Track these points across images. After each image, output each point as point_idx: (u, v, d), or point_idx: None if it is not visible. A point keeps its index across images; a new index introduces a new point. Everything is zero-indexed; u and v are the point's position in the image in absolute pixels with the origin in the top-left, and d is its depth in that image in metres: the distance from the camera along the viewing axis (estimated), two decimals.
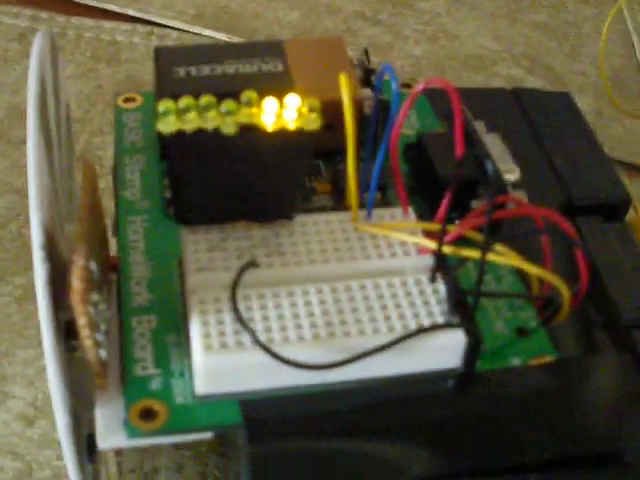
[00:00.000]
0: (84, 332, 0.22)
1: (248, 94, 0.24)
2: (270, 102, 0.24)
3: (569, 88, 0.58)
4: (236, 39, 0.58)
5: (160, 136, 0.25)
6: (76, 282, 0.22)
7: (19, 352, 0.39)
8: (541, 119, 0.37)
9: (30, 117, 0.24)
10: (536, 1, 0.68)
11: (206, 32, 0.59)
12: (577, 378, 0.26)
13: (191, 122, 0.24)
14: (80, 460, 0.25)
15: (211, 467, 0.36)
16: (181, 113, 0.24)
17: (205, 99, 0.24)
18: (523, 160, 0.31)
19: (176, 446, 0.36)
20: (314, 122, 0.24)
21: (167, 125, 0.24)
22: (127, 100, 0.34)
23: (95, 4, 0.61)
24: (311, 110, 0.24)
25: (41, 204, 0.23)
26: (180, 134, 0.24)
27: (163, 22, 0.60)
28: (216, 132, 0.24)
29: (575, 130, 0.37)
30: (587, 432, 0.25)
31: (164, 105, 0.24)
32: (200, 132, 0.24)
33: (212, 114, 0.24)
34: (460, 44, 0.62)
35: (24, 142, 0.48)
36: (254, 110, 0.24)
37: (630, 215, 0.37)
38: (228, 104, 0.24)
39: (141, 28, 0.59)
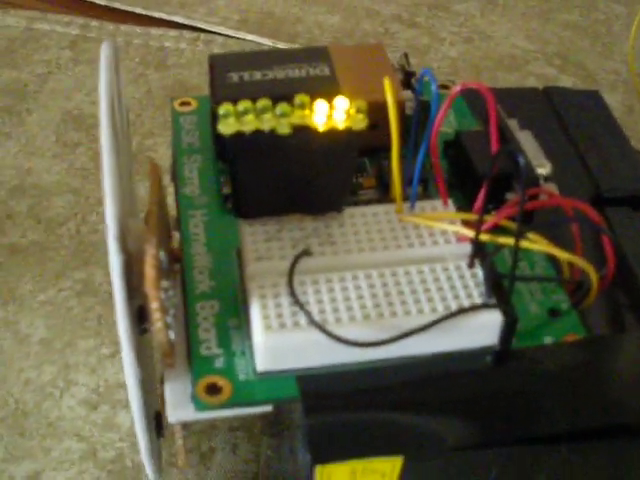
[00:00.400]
0: (156, 315, 0.25)
1: (301, 97, 0.26)
2: (321, 104, 0.26)
3: (601, 86, 0.60)
4: (280, 43, 0.60)
5: (221, 137, 0.27)
6: (149, 269, 0.24)
7: (80, 342, 0.41)
8: (571, 116, 0.38)
9: (103, 123, 0.27)
10: (568, 1, 0.69)
11: (250, 37, 0.61)
12: (605, 354, 0.28)
13: (249, 124, 0.26)
14: (150, 435, 0.28)
15: (264, 447, 0.38)
16: (240, 115, 0.26)
17: (261, 102, 0.26)
18: (554, 155, 0.33)
19: (231, 427, 0.38)
20: (361, 122, 0.26)
21: (227, 127, 0.26)
22: (183, 104, 0.36)
23: (143, 12, 0.63)
24: (358, 111, 0.26)
25: (116, 200, 0.25)
26: (239, 135, 0.26)
27: (209, 28, 0.62)
28: (272, 132, 0.26)
29: (604, 126, 0.38)
30: (615, 404, 0.27)
31: (224, 108, 0.26)
32: (257, 133, 0.26)
33: (268, 116, 0.26)
34: (494, 44, 0.63)
35: (79, 145, 0.51)
36: (306, 112, 0.26)
37: None
38: (283, 107, 0.26)
39: (187, 34, 0.61)
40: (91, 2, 0.64)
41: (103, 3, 0.64)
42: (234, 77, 0.32)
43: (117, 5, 0.64)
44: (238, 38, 0.61)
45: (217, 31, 0.62)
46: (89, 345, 0.41)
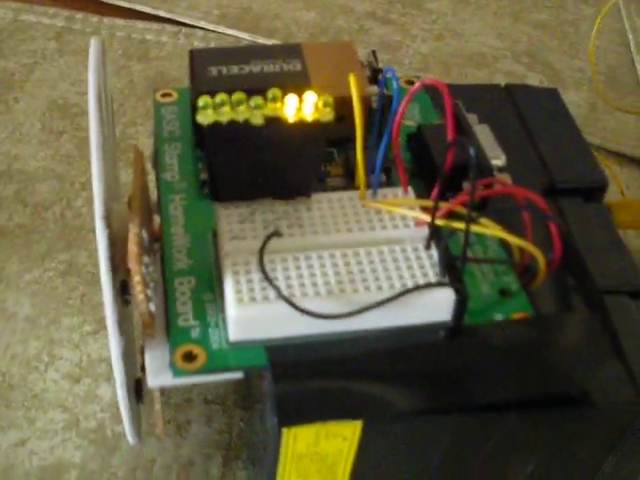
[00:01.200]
0: (138, 287, 0.27)
1: (273, 92, 0.29)
2: (291, 98, 0.29)
3: (566, 83, 0.62)
4: (259, 38, 0.62)
5: (199, 126, 0.29)
6: (132, 246, 0.27)
7: (64, 319, 0.43)
8: (530, 112, 0.40)
9: (92, 113, 0.29)
10: (538, 1, 0.71)
11: (229, 32, 0.63)
12: (550, 331, 0.30)
13: (225, 115, 0.29)
14: (131, 400, 0.30)
15: (236, 419, 0.40)
16: (217, 107, 0.29)
17: (237, 96, 0.29)
18: (512, 148, 0.35)
19: (205, 400, 0.40)
20: (328, 115, 0.29)
21: (206, 117, 0.28)
22: (164, 95, 0.38)
23: (126, 5, 0.64)
24: (325, 105, 0.29)
25: (102, 184, 0.27)
26: (216, 125, 0.29)
27: (190, 22, 0.63)
28: (246, 123, 0.29)
29: (560, 121, 0.40)
30: (558, 376, 0.29)
31: (203, 100, 0.29)
32: (233, 123, 0.28)
33: (243, 108, 0.29)
34: (465, 42, 0.65)
35: (63, 133, 0.53)
36: (278, 105, 0.29)
37: (612, 199, 0.41)
38: (256, 100, 0.29)
39: (169, 28, 0.62)
40: None
41: None
42: (213, 71, 0.34)
43: None
44: (218, 32, 0.63)
45: (198, 25, 0.63)
46: (73, 322, 0.43)
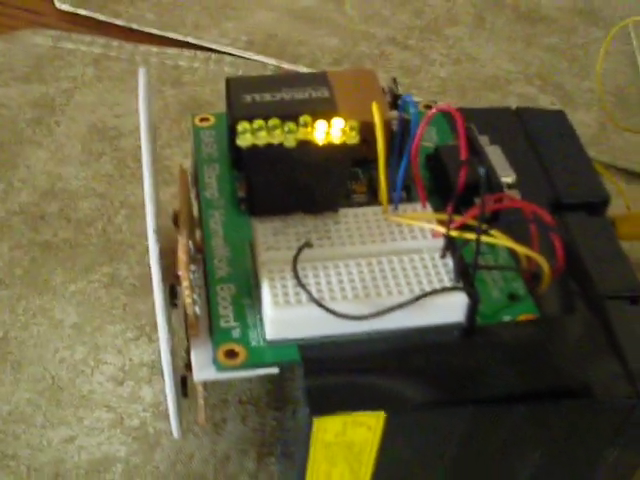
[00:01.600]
0: (186, 292, 0.30)
1: (304, 118, 0.32)
2: (321, 124, 0.32)
3: (577, 104, 0.65)
4: (284, 63, 0.65)
5: (238, 149, 0.33)
6: (182, 255, 0.30)
7: (108, 327, 0.46)
8: (538, 133, 0.43)
9: (144, 137, 0.32)
10: (550, 26, 0.74)
11: (256, 57, 0.66)
12: (555, 332, 0.33)
13: (262, 139, 0.32)
14: (178, 394, 0.33)
15: (269, 418, 0.43)
16: (254, 132, 0.32)
17: (272, 121, 0.32)
18: (522, 166, 0.38)
19: (240, 401, 0.43)
20: (354, 138, 0.32)
21: (245, 141, 0.32)
22: (202, 120, 0.42)
23: (159, 33, 0.68)
24: (351, 129, 0.32)
25: (154, 201, 0.31)
26: (254, 147, 0.32)
27: (219, 48, 0.66)
28: (280, 146, 0.32)
29: (566, 141, 0.43)
30: (561, 371, 0.32)
31: (242, 126, 0.32)
32: (269, 146, 0.32)
33: (277, 132, 0.32)
34: (480, 66, 0.68)
35: (103, 154, 0.56)
36: (309, 129, 0.32)
37: (617, 212, 0.44)
38: (289, 125, 0.32)
39: (200, 54, 0.65)
40: (111, 23, 0.69)
41: (122, 24, 0.69)
42: (248, 98, 0.38)
43: (135, 26, 0.68)
44: (246, 58, 0.66)
45: (227, 51, 0.66)
46: (116, 330, 0.46)
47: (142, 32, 0.69)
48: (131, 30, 0.69)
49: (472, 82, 0.66)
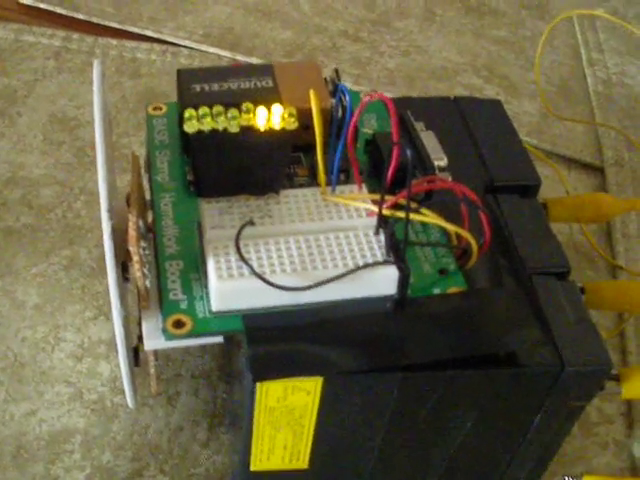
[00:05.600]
0: (136, 266, 0.33)
1: (247, 105, 0.35)
2: (261, 110, 0.35)
3: (521, 95, 0.68)
4: (239, 56, 0.67)
5: (185, 134, 0.35)
6: (131, 231, 0.32)
7: (68, 307, 0.49)
8: (475, 120, 0.45)
9: (97, 124, 0.34)
10: (498, 19, 0.77)
11: (212, 50, 0.68)
12: (482, 303, 0.36)
13: (207, 125, 0.34)
14: (130, 363, 0.36)
15: (220, 392, 0.46)
16: (200, 118, 0.35)
17: (216, 108, 0.35)
18: (458, 152, 0.41)
19: (193, 375, 0.46)
20: (292, 124, 0.35)
21: (191, 127, 0.34)
22: (155, 108, 0.44)
23: (118, 26, 0.70)
24: (290, 115, 0.35)
25: (106, 183, 0.33)
26: (200, 133, 0.34)
27: (176, 41, 0.69)
28: (225, 131, 0.34)
29: (501, 129, 0.45)
30: (487, 340, 0.34)
31: (188, 113, 0.34)
32: (214, 131, 0.34)
33: (222, 119, 0.34)
34: (429, 57, 0.71)
35: (63, 143, 0.58)
36: (251, 116, 0.35)
37: (550, 196, 0.47)
38: (232, 111, 0.34)
39: (157, 47, 0.68)
40: (71, 17, 0.71)
41: (82, 18, 0.71)
42: (197, 87, 0.40)
43: (95, 20, 0.70)
44: (202, 51, 0.68)
45: (183, 44, 0.69)
46: (75, 309, 0.49)
47: (101, 25, 0.71)
48: (91, 23, 0.71)
49: (420, 73, 0.69)
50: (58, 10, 0.71)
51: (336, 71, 0.42)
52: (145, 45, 0.68)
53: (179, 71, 0.41)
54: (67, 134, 0.59)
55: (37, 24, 0.70)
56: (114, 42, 0.68)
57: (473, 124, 0.46)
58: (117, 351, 0.35)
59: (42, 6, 0.71)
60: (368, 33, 0.73)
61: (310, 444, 0.36)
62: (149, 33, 0.70)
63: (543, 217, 0.42)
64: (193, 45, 0.69)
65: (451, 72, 0.69)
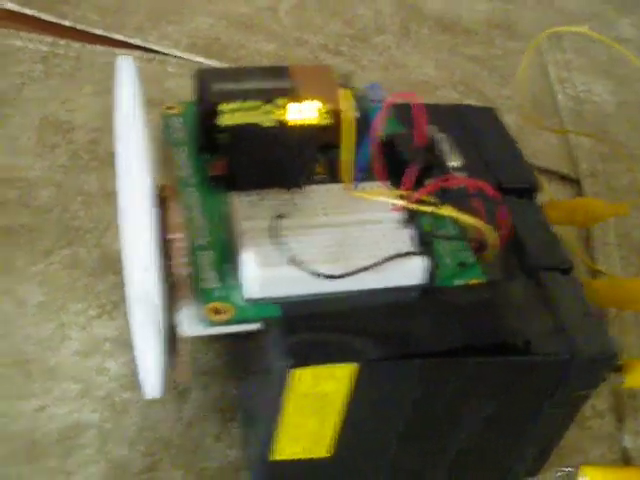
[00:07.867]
0: (179, 252, 0.34)
1: (281, 100, 0.36)
2: (296, 105, 0.36)
3: (497, 110, 0.70)
4: (224, 65, 0.68)
5: (213, 130, 0.36)
6: (176, 218, 0.33)
7: (71, 305, 0.49)
8: (474, 126, 0.47)
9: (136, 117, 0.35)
10: (471, 38, 0.79)
11: (198, 59, 0.69)
12: (498, 294, 0.37)
13: (242, 119, 0.36)
14: (165, 351, 0.36)
15: (229, 387, 0.47)
16: (234, 112, 0.36)
17: (250, 103, 0.36)
18: (462, 154, 0.43)
19: (203, 372, 0.47)
20: (327, 120, 0.36)
21: (228, 120, 0.35)
22: (169, 108, 0.45)
23: (105, 34, 0.70)
24: (326, 112, 0.36)
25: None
26: (235, 126, 0.36)
27: (162, 50, 0.69)
28: (260, 125, 0.36)
29: (498, 134, 0.48)
30: (504, 328, 0.36)
31: (224, 107, 0.36)
32: (250, 125, 0.36)
33: (255, 113, 0.36)
34: (408, 72, 0.72)
35: (57, 146, 0.58)
36: (284, 111, 0.36)
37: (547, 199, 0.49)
38: (267, 106, 0.36)
39: (144, 55, 0.68)
40: (58, 23, 0.71)
41: (69, 24, 0.71)
42: (216, 86, 0.41)
43: (81, 27, 0.71)
44: (187, 59, 0.69)
45: (169, 53, 0.69)
46: (78, 308, 0.49)
47: (88, 32, 0.71)
48: (77, 30, 0.71)
49: (401, 87, 0.70)
50: (43, 16, 0.71)
51: (345, 76, 0.44)
52: (134, 53, 0.68)
53: (198, 70, 0.42)
54: (61, 137, 0.60)
55: (24, 29, 0.70)
56: (101, 49, 0.69)
57: (472, 129, 0.47)
58: (127, 351, 0.35)
59: (27, 11, 0.71)
60: (348, 47, 0.74)
61: (334, 432, 0.37)
62: (135, 41, 0.70)
63: (544, 218, 0.43)
64: (180, 54, 0.69)
65: (430, 86, 0.71)
